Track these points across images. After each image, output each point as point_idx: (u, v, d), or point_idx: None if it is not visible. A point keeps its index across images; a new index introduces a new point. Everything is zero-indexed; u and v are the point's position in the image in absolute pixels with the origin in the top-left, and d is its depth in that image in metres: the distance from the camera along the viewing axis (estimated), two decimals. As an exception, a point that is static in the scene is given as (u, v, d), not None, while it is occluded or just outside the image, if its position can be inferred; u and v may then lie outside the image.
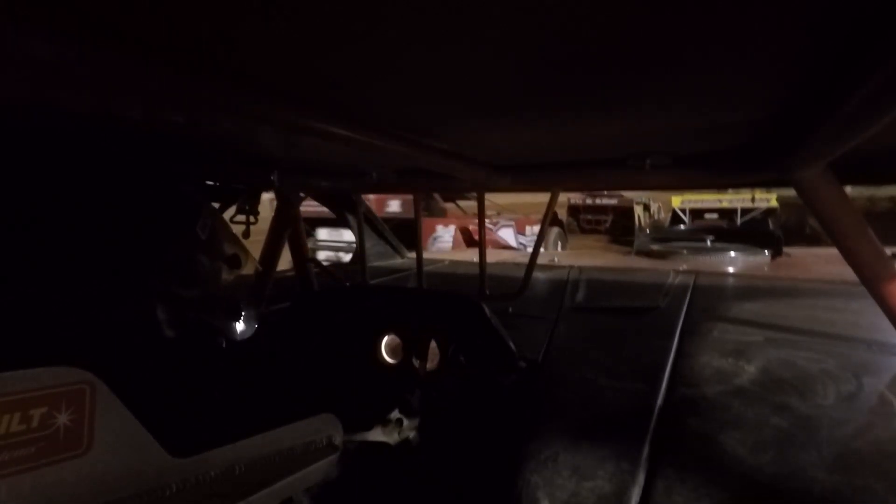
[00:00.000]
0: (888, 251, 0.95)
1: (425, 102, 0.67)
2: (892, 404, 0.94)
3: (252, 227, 1.59)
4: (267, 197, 1.70)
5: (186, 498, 0.81)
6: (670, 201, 10.78)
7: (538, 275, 1.97)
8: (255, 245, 1.58)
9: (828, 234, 0.96)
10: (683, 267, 2.62)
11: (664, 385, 1.08)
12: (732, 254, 3.49)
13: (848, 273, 1.01)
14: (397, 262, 2.65)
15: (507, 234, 7.86)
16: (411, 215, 1.61)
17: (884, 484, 0.78)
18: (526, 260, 1.59)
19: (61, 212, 1.08)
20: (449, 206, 7.33)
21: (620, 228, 11.76)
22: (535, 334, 1.37)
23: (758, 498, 0.80)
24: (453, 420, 1.23)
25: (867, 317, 1.30)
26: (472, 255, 2.98)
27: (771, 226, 8.64)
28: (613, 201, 12.45)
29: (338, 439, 1.06)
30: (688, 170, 1.01)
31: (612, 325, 1.41)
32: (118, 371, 0.78)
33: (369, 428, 1.16)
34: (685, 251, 3.66)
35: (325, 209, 2.32)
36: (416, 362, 1.34)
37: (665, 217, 11.53)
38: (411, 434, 1.20)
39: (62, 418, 0.69)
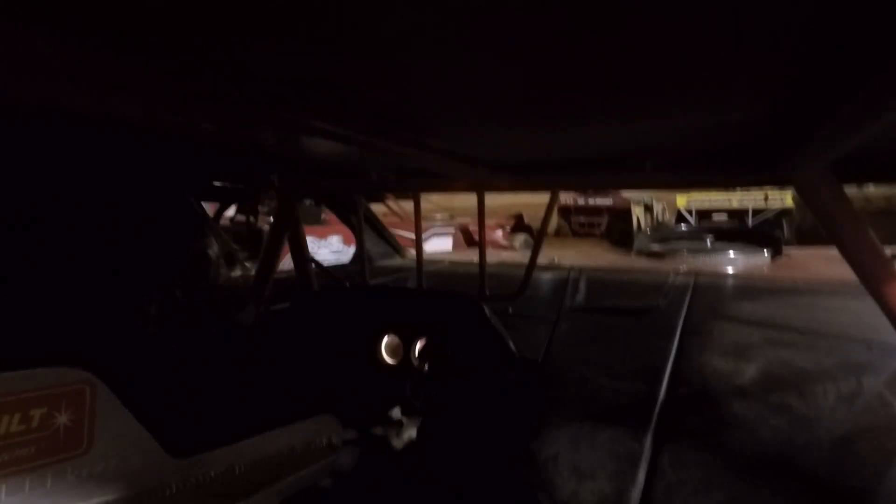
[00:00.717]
0: (888, 251, 0.95)
1: (426, 103, 0.67)
2: (892, 404, 0.94)
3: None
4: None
5: (186, 498, 0.81)
6: (675, 201, 10.45)
7: (538, 275, 1.97)
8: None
9: (828, 234, 0.96)
10: (683, 267, 2.62)
11: (664, 385, 1.08)
12: (732, 254, 3.49)
13: (848, 273, 1.01)
14: (397, 261, 2.65)
15: (438, 245, 6.15)
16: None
17: (884, 483, 0.78)
18: (525, 260, 1.60)
19: (61, 213, 1.08)
20: (397, 208, 4.91)
21: (617, 232, 10.56)
22: (535, 334, 1.37)
23: (757, 498, 0.80)
24: (453, 420, 1.23)
25: (867, 317, 1.30)
26: (472, 256, 2.98)
27: (785, 228, 8.18)
28: (608, 201, 11.23)
29: (338, 439, 1.06)
30: (688, 169, 1.01)
31: (612, 325, 1.41)
32: (118, 371, 0.78)
33: (369, 428, 1.16)
34: (685, 251, 3.66)
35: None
36: (415, 362, 1.33)
37: (669, 219, 10.98)
38: (411, 434, 1.20)
39: (62, 418, 0.69)
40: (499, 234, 7.37)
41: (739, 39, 0.43)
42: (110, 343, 1.09)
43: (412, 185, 1.39)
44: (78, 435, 0.71)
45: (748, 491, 0.81)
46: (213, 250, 1.32)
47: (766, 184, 1.17)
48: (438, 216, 6.86)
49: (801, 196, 0.95)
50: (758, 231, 5.82)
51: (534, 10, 0.38)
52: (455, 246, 6.56)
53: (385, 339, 1.38)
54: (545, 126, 0.80)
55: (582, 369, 1.17)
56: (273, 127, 0.79)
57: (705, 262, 3.40)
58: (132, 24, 0.41)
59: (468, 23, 0.40)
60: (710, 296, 1.66)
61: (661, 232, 6.35)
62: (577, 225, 11.55)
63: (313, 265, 1.88)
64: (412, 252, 2.75)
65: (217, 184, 1.61)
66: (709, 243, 4.02)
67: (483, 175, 1.11)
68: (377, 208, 2.52)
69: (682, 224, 9.17)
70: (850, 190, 0.95)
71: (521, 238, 8.39)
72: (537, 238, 1.54)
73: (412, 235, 1.57)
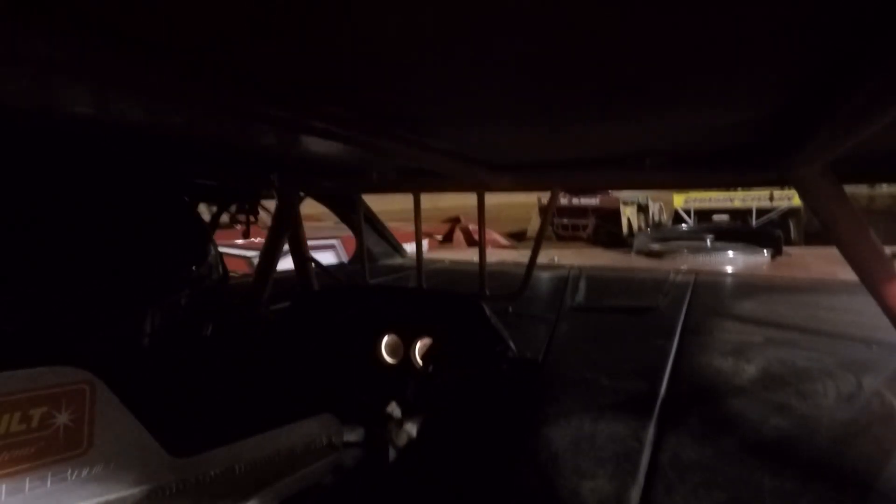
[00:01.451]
0: (888, 251, 0.95)
1: (426, 103, 0.67)
2: (892, 404, 0.94)
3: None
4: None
5: (186, 498, 0.81)
6: (672, 201, 9.91)
7: (538, 275, 1.97)
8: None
9: (828, 234, 0.96)
10: (683, 267, 2.62)
11: (664, 385, 1.08)
12: (732, 253, 3.48)
13: (848, 273, 1.01)
14: (397, 261, 2.65)
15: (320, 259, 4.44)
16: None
17: (884, 483, 0.78)
18: (525, 260, 1.60)
19: (62, 213, 1.08)
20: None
21: (605, 235, 9.66)
22: (535, 334, 1.37)
23: (757, 498, 0.80)
24: (453, 420, 1.23)
25: (867, 316, 1.30)
26: (472, 255, 2.98)
27: (792, 229, 7.82)
28: (595, 201, 10.07)
29: (338, 439, 1.06)
30: (688, 169, 1.01)
31: (612, 325, 1.41)
32: (118, 371, 0.78)
33: (369, 427, 1.16)
34: (685, 251, 3.65)
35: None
36: (416, 362, 1.33)
37: (666, 220, 10.29)
38: (411, 434, 1.20)
39: (62, 418, 0.69)
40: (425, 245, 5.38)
41: (739, 39, 0.43)
42: (110, 343, 1.09)
43: (412, 185, 1.39)
44: (78, 435, 0.71)
45: (748, 491, 0.81)
46: (213, 252, 1.33)
47: (766, 184, 1.17)
48: (325, 224, 4.84)
49: (802, 196, 0.95)
50: (758, 231, 5.81)
51: (534, 9, 0.38)
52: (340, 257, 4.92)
53: (385, 339, 1.39)
54: (545, 126, 0.80)
55: (582, 369, 1.17)
56: (273, 127, 0.79)
57: (705, 262, 3.39)
58: (132, 24, 0.41)
59: (468, 22, 0.40)
60: (711, 295, 1.66)
61: (661, 231, 6.33)
62: (560, 227, 10.50)
63: (313, 265, 1.88)
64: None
65: (217, 184, 1.61)
66: (709, 243, 4.01)
67: (483, 175, 1.11)
68: (375, 208, 2.49)
69: (683, 224, 8.88)
70: (855, 188, 0.95)
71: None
72: (537, 237, 1.54)
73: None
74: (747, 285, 1.84)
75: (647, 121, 0.76)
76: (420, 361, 1.33)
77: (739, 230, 5.51)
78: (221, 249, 1.47)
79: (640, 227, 10.06)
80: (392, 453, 1.15)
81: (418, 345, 1.35)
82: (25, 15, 0.36)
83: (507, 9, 0.37)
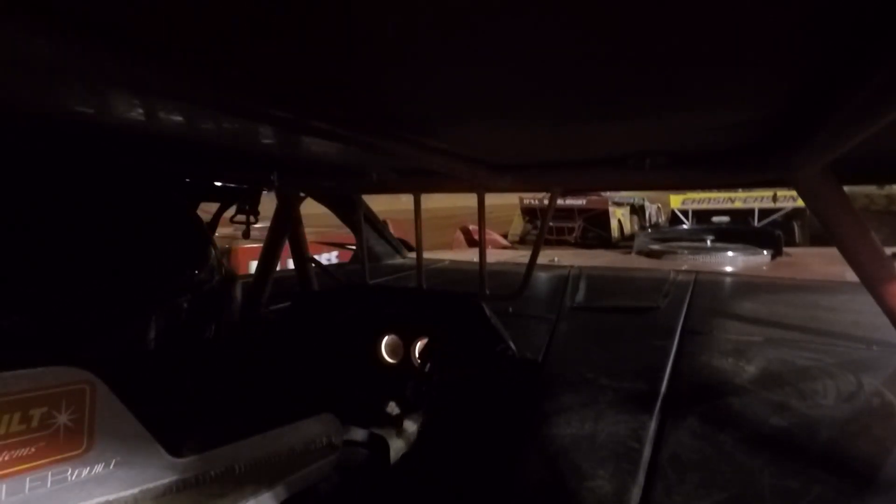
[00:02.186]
0: (888, 251, 0.95)
1: (426, 103, 0.67)
2: (893, 404, 0.94)
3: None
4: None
5: (186, 498, 0.81)
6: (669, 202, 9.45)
7: (538, 275, 1.97)
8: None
9: (828, 234, 0.96)
10: (684, 267, 2.62)
11: (664, 384, 1.08)
12: (732, 254, 3.48)
13: (848, 273, 1.01)
14: (398, 261, 2.65)
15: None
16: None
17: (885, 483, 0.78)
18: (525, 260, 1.60)
19: (62, 212, 1.08)
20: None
21: (593, 238, 9.05)
22: (535, 334, 1.37)
23: (758, 498, 0.80)
24: (453, 420, 1.23)
25: (867, 317, 1.30)
26: (471, 256, 2.98)
27: (797, 230, 7.45)
28: (581, 202, 9.25)
29: (338, 439, 1.06)
30: (688, 169, 1.01)
31: (612, 325, 1.41)
32: (118, 371, 0.78)
33: (370, 427, 1.16)
34: (685, 251, 3.66)
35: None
36: (416, 362, 1.34)
37: (664, 221, 9.80)
38: (411, 433, 1.20)
39: (62, 418, 0.69)
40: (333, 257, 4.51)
41: (739, 40, 0.43)
42: (111, 344, 1.09)
43: (412, 185, 1.39)
44: (78, 435, 0.71)
45: (749, 490, 0.81)
46: (213, 254, 1.33)
47: (766, 184, 1.17)
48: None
49: (801, 196, 0.95)
50: (758, 231, 5.79)
51: (535, 10, 0.38)
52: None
53: (385, 339, 1.39)
54: (545, 126, 0.80)
55: (582, 369, 1.17)
56: (273, 127, 0.79)
57: (705, 262, 3.40)
58: (132, 24, 0.41)
59: (468, 23, 0.40)
60: (711, 295, 1.66)
61: (661, 231, 6.31)
62: (545, 230, 9.97)
63: (313, 265, 1.88)
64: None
65: (217, 184, 1.61)
66: (709, 243, 4.02)
67: (483, 175, 1.11)
68: (377, 207, 2.49)
69: (683, 224, 8.66)
70: (850, 189, 0.95)
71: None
72: (537, 237, 1.54)
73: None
74: (747, 285, 1.84)
75: (647, 121, 0.76)
76: (420, 361, 1.33)
77: (739, 230, 5.50)
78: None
79: (632, 230, 9.51)
80: (392, 453, 1.15)
81: (418, 345, 1.35)
82: (25, 15, 0.36)
83: (507, 9, 0.37)
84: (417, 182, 1.36)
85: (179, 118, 0.75)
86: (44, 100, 0.65)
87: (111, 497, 0.73)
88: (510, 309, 1.51)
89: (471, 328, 1.28)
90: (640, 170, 1.00)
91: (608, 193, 9.22)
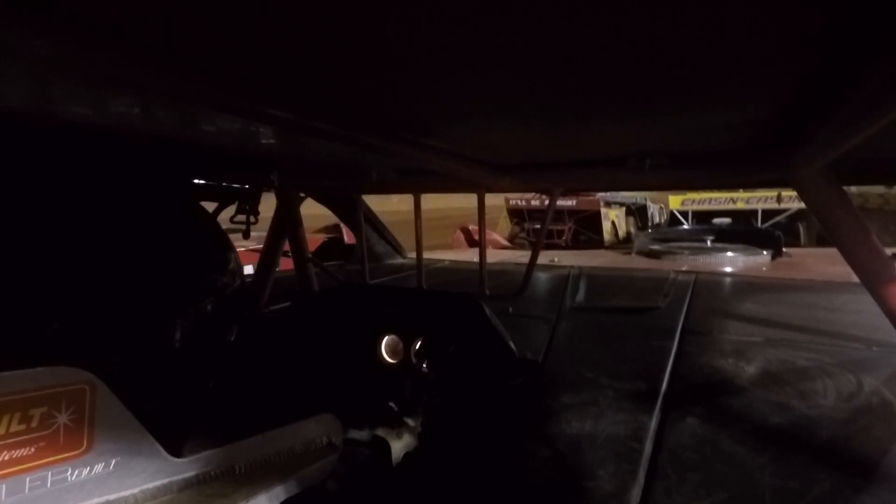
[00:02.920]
0: (888, 251, 0.95)
1: (426, 103, 0.67)
2: (892, 404, 0.94)
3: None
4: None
5: (186, 498, 0.81)
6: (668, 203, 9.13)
7: (538, 275, 1.97)
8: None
9: (828, 234, 0.96)
10: (684, 267, 2.62)
11: (664, 385, 1.08)
12: (732, 254, 3.48)
13: (848, 273, 1.01)
14: (398, 261, 2.65)
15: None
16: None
17: (885, 483, 0.78)
18: (525, 260, 1.60)
19: (62, 213, 1.08)
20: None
21: (585, 242, 8.48)
22: (535, 334, 1.37)
23: (758, 498, 0.80)
24: (453, 419, 1.23)
25: (867, 316, 1.30)
26: (471, 256, 2.98)
27: (802, 232, 7.26)
28: (571, 203, 8.53)
29: (338, 439, 1.06)
30: (688, 169, 1.01)
31: (612, 325, 1.41)
32: (118, 371, 0.78)
33: (369, 427, 1.16)
34: (685, 251, 3.66)
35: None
36: (416, 362, 1.33)
37: (665, 222, 9.48)
38: (411, 433, 1.20)
39: (62, 418, 0.69)
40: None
41: (739, 41, 0.43)
42: (111, 343, 1.09)
43: (412, 185, 1.39)
44: (78, 435, 0.71)
45: (749, 490, 0.81)
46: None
47: (766, 184, 1.17)
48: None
49: (801, 196, 0.95)
50: (758, 231, 5.78)
51: (535, 12, 0.38)
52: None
53: (385, 339, 1.39)
54: (545, 126, 0.80)
55: (582, 369, 1.17)
56: (273, 127, 0.79)
57: (705, 262, 3.40)
58: (132, 25, 0.41)
59: (468, 22, 0.40)
60: (711, 295, 1.66)
61: (661, 232, 6.30)
62: (532, 233, 8.95)
63: (313, 265, 1.88)
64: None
65: (217, 184, 1.61)
66: (708, 243, 4.02)
67: (483, 175, 1.11)
68: (375, 207, 2.49)
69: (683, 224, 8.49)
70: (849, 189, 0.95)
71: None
72: (538, 237, 1.54)
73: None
74: (747, 285, 1.84)
75: (647, 121, 0.76)
76: (420, 361, 1.33)
77: (739, 231, 5.49)
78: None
79: (628, 233, 8.98)
80: (392, 453, 1.15)
81: (418, 345, 1.35)
82: (25, 15, 0.36)
83: (507, 9, 0.37)
84: (417, 182, 1.36)
85: (179, 118, 0.75)
86: (42, 99, 0.65)
87: (111, 497, 0.73)
88: (510, 309, 1.51)
89: (471, 328, 1.28)
90: (640, 170, 1.00)
91: (602, 194, 8.68)
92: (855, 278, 0.98)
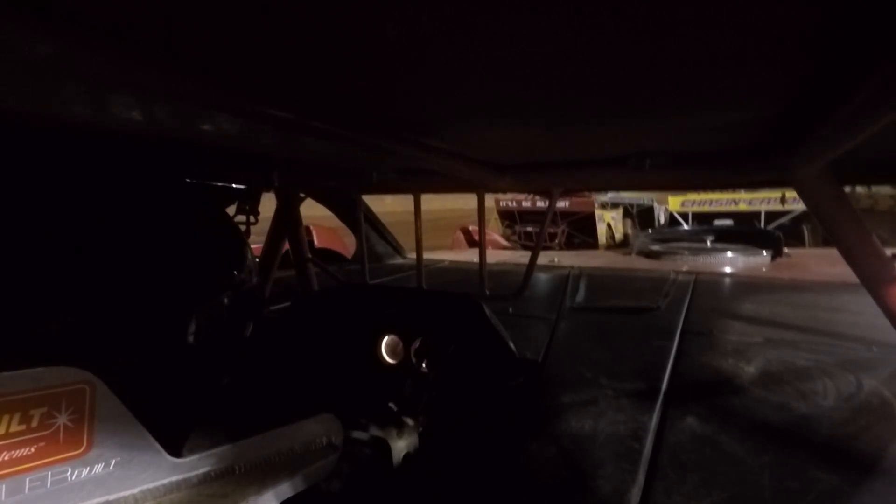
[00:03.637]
0: (888, 251, 0.95)
1: (426, 103, 0.67)
2: (892, 404, 0.94)
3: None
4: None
5: (186, 498, 0.81)
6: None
7: (538, 275, 1.97)
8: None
9: (828, 235, 0.96)
10: (684, 268, 2.62)
11: (664, 385, 1.08)
12: (731, 254, 3.49)
13: (848, 273, 1.01)
14: (398, 261, 2.65)
15: None
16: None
17: (885, 483, 0.78)
18: (525, 261, 1.60)
19: (61, 213, 1.09)
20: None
21: (579, 245, 8.14)
22: (535, 334, 1.37)
23: (758, 498, 0.80)
24: (453, 420, 1.23)
25: (867, 317, 1.30)
26: (471, 256, 2.98)
27: (807, 234, 7.07)
28: (564, 204, 8.11)
29: (338, 439, 1.06)
30: (688, 169, 1.01)
31: (612, 325, 1.41)
32: (118, 371, 0.78)
33: (369, 427, 1.16)
34: (685, 251, 3.66)
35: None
36: (416, 362, 1.33)
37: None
38: (411, 433, 1.20)
39: (62, 418, 0.69)
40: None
41: (739, 42, 0.43)
42: (111, 343, 1.09)
43: (412, 185, 1.40)
44: (78, 435, 0.71)
45: (749, 490, 0.81)
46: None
47: (766, 184, 1.17)
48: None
49: (801, 196, 0.95)
50: (758, 232, 5.77)
51: (535, 12, 0.38)
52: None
53: (385, 339, 1.38)
54: (545, 126, 0.80)
55: (582, 369, 1.17)
56: (273, 127, 0.79)
57: (705, 263, 3.40)
58: (132, 25, 0.41)
59: (468, 23, 0.40)
60: (711, 295, 1.66)
61: (661, 232, 6.29)
62: (524, 236, 8.59)
63: (313, 265, 1.88)
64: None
65: (217, 184, 1.61)
66: (708, 243, 4.02)
67: (483, 175, 1.11)
68: (377, 208, 2.49)
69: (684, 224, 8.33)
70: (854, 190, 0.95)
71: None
72: (538, 238, 1.54)
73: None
74: (747, 286, 1.84)
75: (647, 122, 0.76)
76: (420, 361, 1.33)
77: (739, 231, 5.49)
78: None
79: (625, 235, 8.72)
80: (392, 453, 1.15)
81: (418, 345, 1.35)
82: (25, 15, 0.36)
83: (507, 10, 0.37)
84: (417, 182, 1.36)
85: (179, 118, 0.75)
86: (42, 99, 0.65)
87: (111, 497, 0.73)
88: (510, 309, 1.51)
89: (471, 328, 1.28)
90: (640, 170, 1.00)
91: (612, 194, 8.52)
92: (855, 278, 0.98)
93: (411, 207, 1.50)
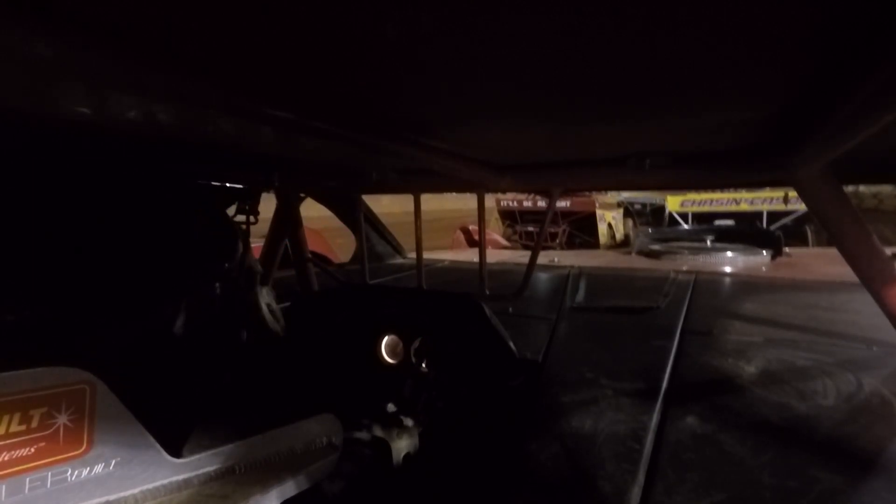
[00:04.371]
0: (888, 251, 0.95)
1: (426, 103, 0.67)
2: (892, 404, 0.94)
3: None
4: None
5: (186, 498, 0.81)
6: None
7: (538, 275, 1.97)
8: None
9: (828, 234, 0.96)
10: (684, 267, 2.62)
11: (664, 385, 1.08)
12: (731, 254, 3.49)
13: (848, 273, 1.01)
14: (398, 261, 2.65)
15: None
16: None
17: (885, 483, 0.78)
18: (525, 260, 1.60)
19: (61, 213, 1.09)
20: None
21: (580, 245, 8.10)
22: (535, 334, 1.37)
23: (758, 498, 0.80)
24: (453, 419, 1.23)
25: (867, 316, 1.30)
26: (471, 256, 2.98)
27: (810, 235, 6.94)
28: (565, 204, 8.11)
29: (338, 439, 1.06)
30: (688, 169, 1.01)
31: (612, 325, 1.41)
32: (118, 371, 0.78)
33: (369, 428, 1.16)
34: (685, 251, 3.66)
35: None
36: (416, 362, 1.33)
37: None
38: (411, 433, 1.20)
39: (62, 418, 0.69)
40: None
41: (739, 41, 0.43)
42: (111, 343, 1.09)
43: (412, 185, 1.39)
44: (78, 435, 0.71)
45: (749, 490, 0.81)
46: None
47: (765, 184, 1.17)
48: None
49: (801, 196, 0.95)
50: (758, 231, 5.76)
51: (535, 12, 0.38)
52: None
53: (385, 339, 1.38)
54: (546, 126, 0.80)
55: (582, 369, 1.17)
56: (273, 127, 0.79)
57: (705, 262, 3.40)
58: (132, 25, 0.41)
59: (468, 23, 0.40)
60: (711, 295, 1.66)
61: (662, 232, 6.29)
62: (524, 236, 8.51)
63: (313, 265, 1.88)
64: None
65: (217, 184, 1.61)
66: (709, 243, 4.02)
67: (483, 175, 1.11)
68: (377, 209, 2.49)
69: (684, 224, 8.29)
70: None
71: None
72: (538, 238, 1.54)
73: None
74: (747, 285, 1.84)
75: (647, 121, 0.76)
76: (420, 361, 1.33)
77: (740, 231, 5.48)
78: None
79: (626, 235, 8.64)
80: (392, 453, 1.15)
81: (418, 345, 1.35)
82: (25, 15, 0.36)
83: (507, 10, 0.37)
84: (417, 182, 1.36)
85: (179, 118, 0.75)
86: (42, 99, 0.65)
87: (111, 497, 0.73)
88: (510, 309, 1.51)
89: (471, 328, 1.28)
90: (640, 170, 1.00)
91: (627, 194, 8.46)
92: (854, 278, 0.98)
93: (409, 208, 1.50)
